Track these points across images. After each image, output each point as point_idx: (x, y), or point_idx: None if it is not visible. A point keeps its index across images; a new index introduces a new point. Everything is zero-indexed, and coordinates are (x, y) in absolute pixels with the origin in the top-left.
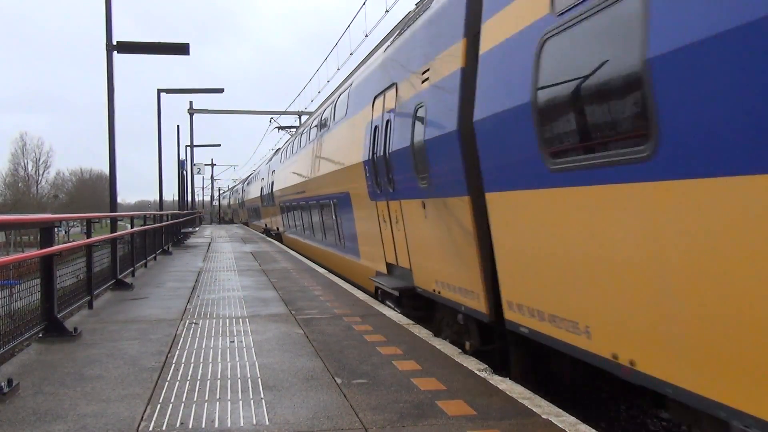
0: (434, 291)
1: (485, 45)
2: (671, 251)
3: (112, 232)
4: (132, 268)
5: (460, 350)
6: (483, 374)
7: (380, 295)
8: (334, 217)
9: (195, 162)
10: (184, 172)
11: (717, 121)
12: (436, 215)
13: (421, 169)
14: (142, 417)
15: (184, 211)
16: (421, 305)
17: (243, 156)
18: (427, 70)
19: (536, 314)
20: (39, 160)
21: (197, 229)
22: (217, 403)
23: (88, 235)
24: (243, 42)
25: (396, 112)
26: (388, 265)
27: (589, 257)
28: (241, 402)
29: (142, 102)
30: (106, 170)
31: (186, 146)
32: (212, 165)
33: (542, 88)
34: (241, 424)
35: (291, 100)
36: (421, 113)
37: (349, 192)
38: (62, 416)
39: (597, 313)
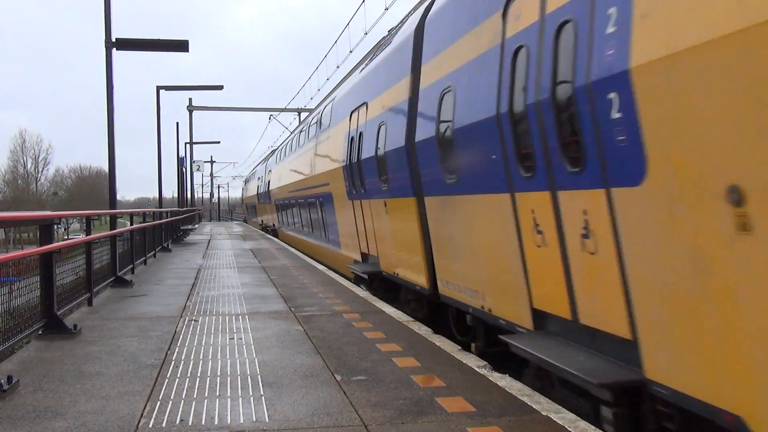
0: (394, 273)
1: (423, 83)
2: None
3: (111, 230)
4: (132, 266)
5: (460, 347)
6: (482, 371)
7: (355, 278)
8: (320, 214)
9: (194, 159)
10: (184, 170)
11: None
12: (394, 213)
13: (383, 174)
14: (142, 414)
15: (184, 209)
16: (389, 286)
17: (242, 153)
18: (387, 95)
19: (456, 287)
20: (38, 157)
21: (197, 226)
22: (217, 400)
23: (88, 233)
24: (218, 43)
25: (366, 126)
26: (363, 254)
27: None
28: (240, 399)
29: (142, 100)
30: (106, 167)
31: (185, 143)
32: (212, 162)
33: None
34: (241, 421)
35: (279, 97)
36: (383, 129)
37: (332, 192)
38: (62, 413)
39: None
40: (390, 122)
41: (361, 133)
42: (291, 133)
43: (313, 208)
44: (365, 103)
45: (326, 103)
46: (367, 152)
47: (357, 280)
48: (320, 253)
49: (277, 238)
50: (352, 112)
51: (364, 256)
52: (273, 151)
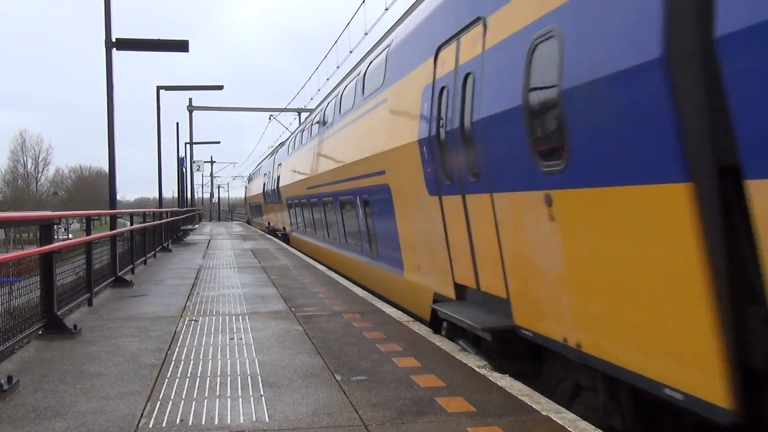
0: (565, 341)
1: None
2: None
3: (111, 230)
4: (132, 266)
5: (460, 347)
6: (482, 371)
7: (444, 329)
8: (362, 216)
9: (194, 159)
10: (184, 170)
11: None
12: (582, 218)
13: (546, 139)
14: (142, 414)
15: (184, 209)
16: (521, 353)
17: (242, 153)
18: None
19: None
20: (38, 157)
21: (197, 226)
22: (217, 400)
23: (88, 233)
24: (217, 43)
25: (484, 60)
26: (458, 287)
27: None
28: (241, 399)
29: (142, 100)
30: (106, 167)
31: (185, 143)
32: (212, 162)
33: None
34: (241, 421)
35: (278, 97)
36: (543, 51)
37: (389, 184)
38: (62, 413)
39: None
40: (577, 28)
41: (468, 76)
42: (308, 115)
43: (350, 208)
44: (479, 20)
45: (376, 53)
46: (492, 104)
47: (451, 333)
48: (360, 273)
49: (289, 244)
50: (440, 48)
51: (461, 290)
52: (282, 143)
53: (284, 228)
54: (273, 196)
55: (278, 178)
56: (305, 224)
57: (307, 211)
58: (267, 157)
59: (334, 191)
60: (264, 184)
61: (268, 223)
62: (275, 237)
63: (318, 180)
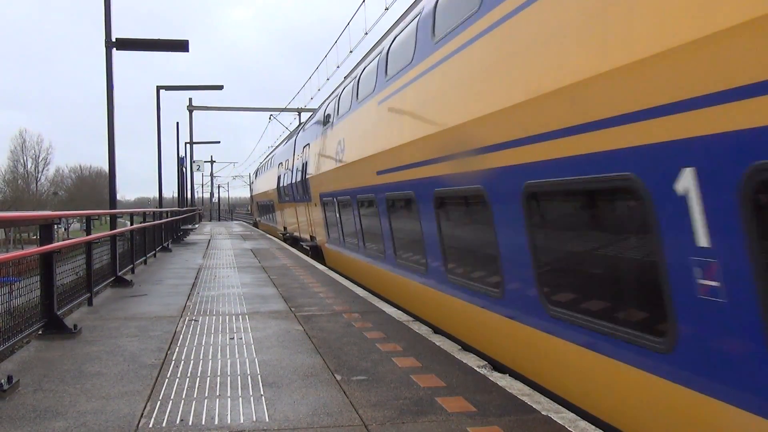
0: None
1: None
2: None
3: (111, 229)
4: (132, 265)
5: (460, 347)
6: (482, 371)
7: None
8: (650, 231)
9: (194, 159)
10: (184, 169)
11: None
12: None
13: None
14: (142, 414)
15: (184, 208)
16: None
17: (242, 153)
18: None
19: None
20: (38, 157)
21: (197, 226)
22: (217, 399)
23: (88, 232)
24: (215, 43)
25: None
26: None
27: None
28: (241, 399)
29: (142, 100)
30: (106, 167)
31: (185, 143)
32: (212, 162)
33: None
34: (241, 421)
35: (276, 97)
36: None
37: None
38: (62, 413)
39: None
40: None
41: None
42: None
43: (550, 208)
44: None
45: None
46: None
47: None
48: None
49: (321, 261)
50: None
51: None
52: (305, 123)
53: (312, 237)
54: (295, 192)
55: (305, 165)
56: (363, 236)
57: (371, 216)
58: (282, 142)
59: (472, 174)
60: (279, 177)
61: (284, 229)
62: (293, 246)
63: (415, 152)
